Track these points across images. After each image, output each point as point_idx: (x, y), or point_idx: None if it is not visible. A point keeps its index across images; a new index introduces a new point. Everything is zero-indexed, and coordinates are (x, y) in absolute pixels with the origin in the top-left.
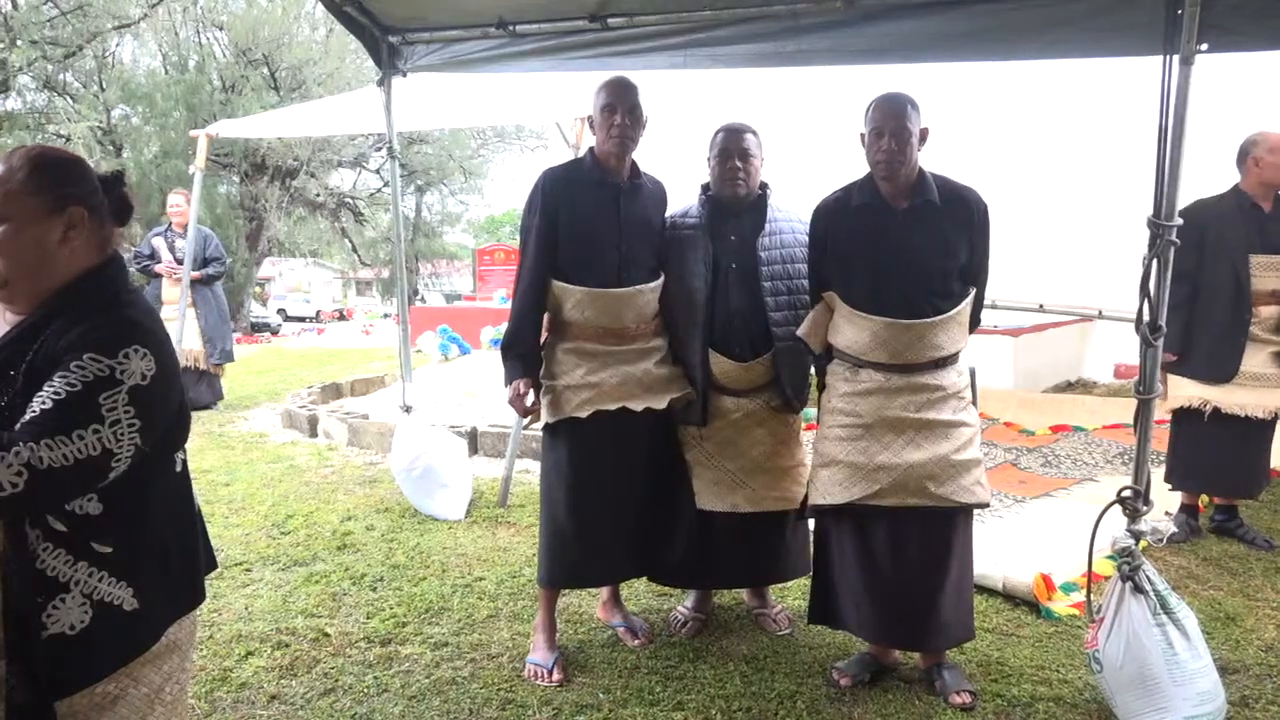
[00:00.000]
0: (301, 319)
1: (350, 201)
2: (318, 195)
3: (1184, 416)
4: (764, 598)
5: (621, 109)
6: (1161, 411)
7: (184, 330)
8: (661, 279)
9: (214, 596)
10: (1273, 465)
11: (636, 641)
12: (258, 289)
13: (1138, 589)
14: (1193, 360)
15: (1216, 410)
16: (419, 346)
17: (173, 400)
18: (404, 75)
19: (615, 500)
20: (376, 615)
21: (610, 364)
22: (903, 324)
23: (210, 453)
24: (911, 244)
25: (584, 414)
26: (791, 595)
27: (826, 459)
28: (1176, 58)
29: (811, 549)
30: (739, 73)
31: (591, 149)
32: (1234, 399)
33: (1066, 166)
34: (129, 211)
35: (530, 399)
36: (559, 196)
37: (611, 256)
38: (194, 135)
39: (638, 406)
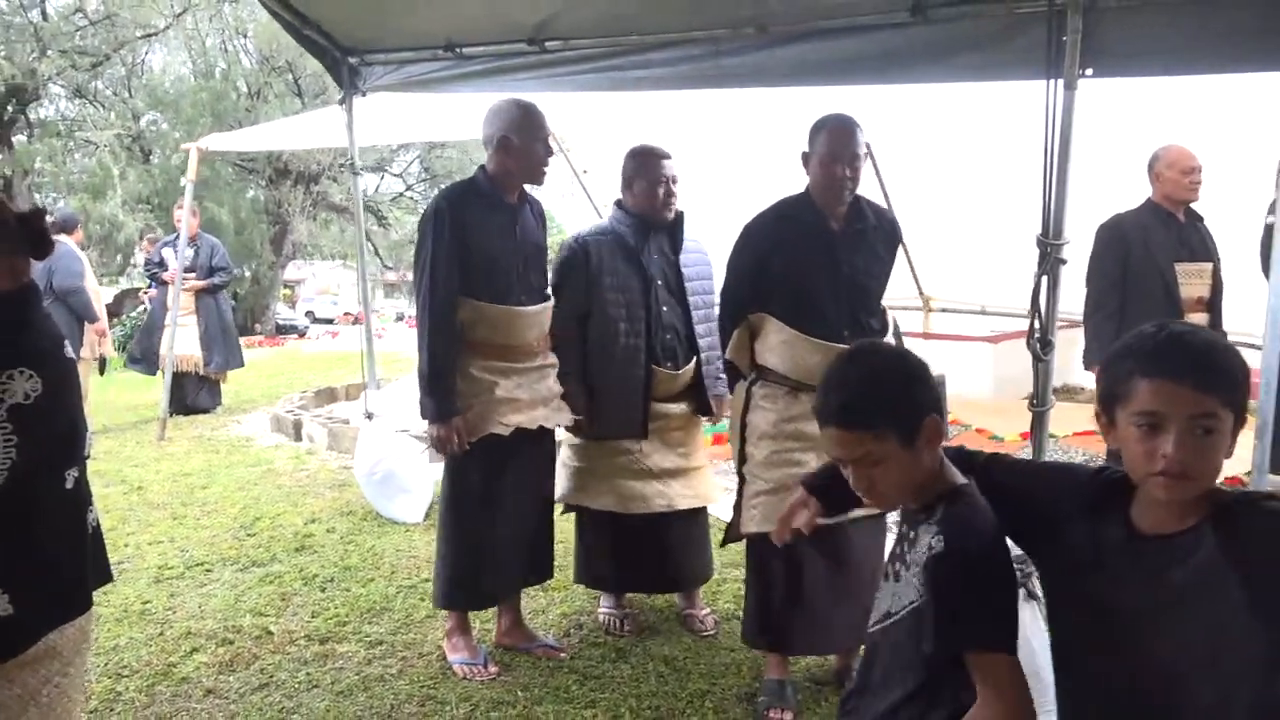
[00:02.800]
0: (330, 321)
1: (373, 205)
2: (341, 199)
3: None
4: (693, 600)
5: (546, 140)
6: (1095, 425)
7: (175, 338)
8: (552, 299)
9: (171, 595)
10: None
11: (562, 654)
12: (286, 291)
13: (1030, 595)
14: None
15: None
16: (399, 351)
17: (60, 421)
18: (363, 95)
19: (521, 515)
20: (321, 615)
21: (520, 381)
22: (837, 347)
23: (195, 456)
24: (854, 266)
25: (507, 431)
26: (723, 599)
27: (771, 485)
28: (1060, 82)
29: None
30: (666, 94)
31: (484, 169)
32: None
33: (1012, 174)
34: (45, 245)
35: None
36: (465, 216)
37: (514, 276)
38: (184, 149)
39: (550, 423)
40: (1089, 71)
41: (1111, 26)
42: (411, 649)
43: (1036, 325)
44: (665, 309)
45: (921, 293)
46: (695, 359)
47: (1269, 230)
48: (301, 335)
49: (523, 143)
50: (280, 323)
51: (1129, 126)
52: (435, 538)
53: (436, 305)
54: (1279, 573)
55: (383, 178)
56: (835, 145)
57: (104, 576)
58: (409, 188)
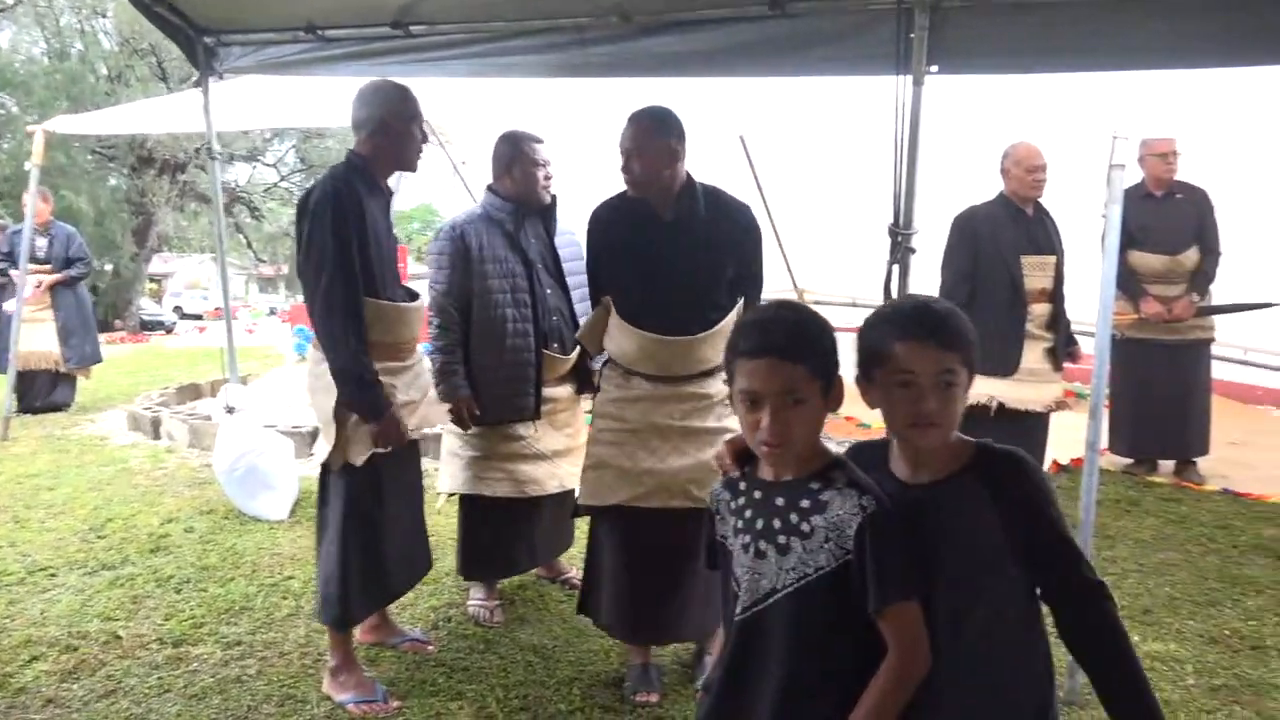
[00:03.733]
0: (198, 317)
1: (246, 196)
2: (209, 189)
3: (970, 414)
4: (555, 566)
5: (422, 126)
6: None
7: (27, 333)
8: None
9: (10, 603)
10: (1055, 458)
11: (430, 648)
12: (153, 285)
13: None
14: (978, 358)
15: (1001, 406)
16: (273, 346)
17: None
18: (220, 77)
19: (411, 514)
20: (174, 617)
21: (409, 381)
22: (668, 340)
23: (42, 456)
24: (678, 256)
25: (417, 436)
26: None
27: (596, 461)
28: (909, 78)
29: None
30: (533, 82)
31: (357, 154)
32: (1017, 394)
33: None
34: None
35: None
36: (356, 204)
37: (394, 269)
38: (29, 131)
39: (435, 423)
40: (935, 68)
41: (957, 25)
42: (272, 648)
43: None
44: (549, 292)
45: (795, 285)
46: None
47: (1107, 224)
48: (168, 331)
49: (403, 127)
50: (145, 318)
51: (991, 120)
52: (322, 551)
53: (348, 298)
54: (1024, 509)
55: (255, 167)
56: (627, 140)
57: None
58: (284, 178)
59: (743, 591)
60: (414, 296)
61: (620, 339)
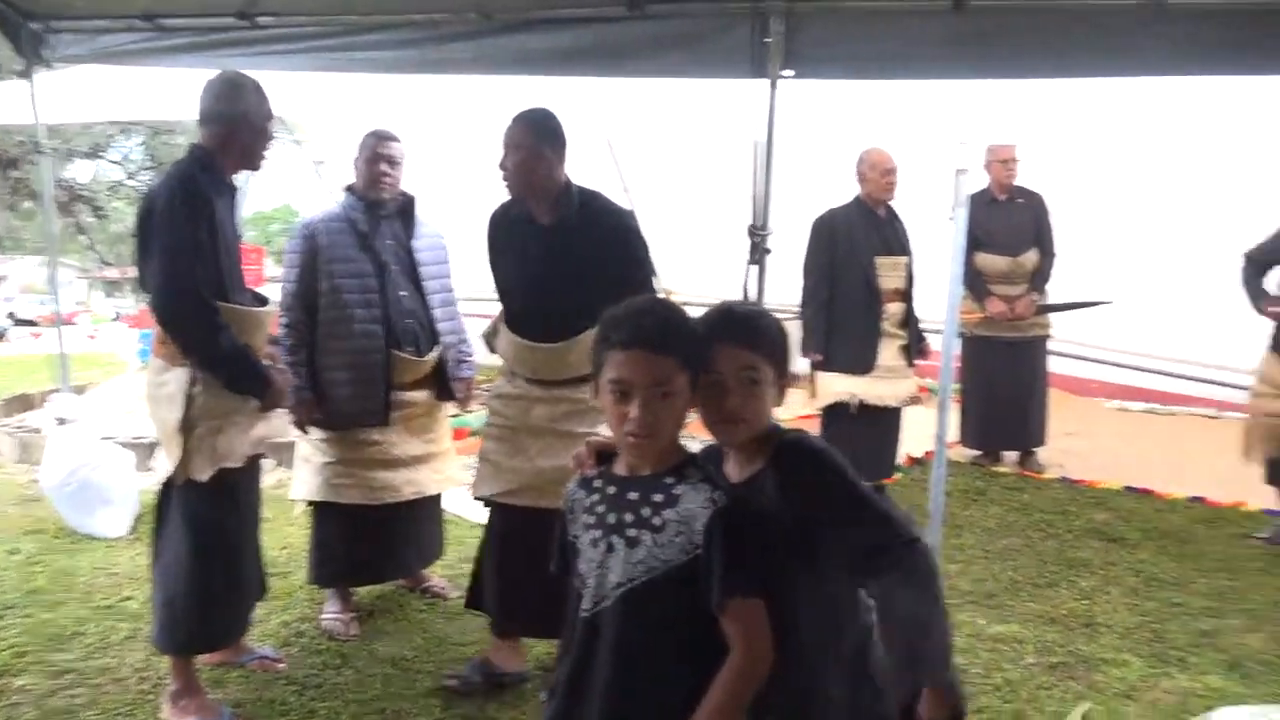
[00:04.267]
0: (33, 323)
1: (88, 194)
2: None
3: (833, 412)
4: (419, 576)
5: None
6: (813, 408)
7: None
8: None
9: None
10: (909, 452)
11: (281, 665)
12: None
13: None
14: (838, 357)
15: (861, 403)
16: (115, 353)
17: None
18: (49, 67)
19: (255, 530)
20: None
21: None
22: (539, 347)
23: None
24: (552, 262)
25: (259, 451)
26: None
27: (480, 454)
28: (766, 81)
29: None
30: (400, 79)
31: (210, 151)
32: (875, 391)
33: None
34: None
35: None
36: (210, 205)
37: (240, 272)
38: None
39: (284, 432)
40: (790, 72)
41: (811, 31)
42: (106, 675)
43: None
44: (403, 294)
45: (663, 286)
46: (439, 347)
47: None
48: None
49: (261, 124)
50: None
51: (848, 125)
52: (160, 570)
53: (199, 296)
54: (812, 492)
55: (99, 164)
56: (504, 141)
57: None
58: (130, 176)
59: (589, 589)
60: (263, 301)
61: (502, 340)
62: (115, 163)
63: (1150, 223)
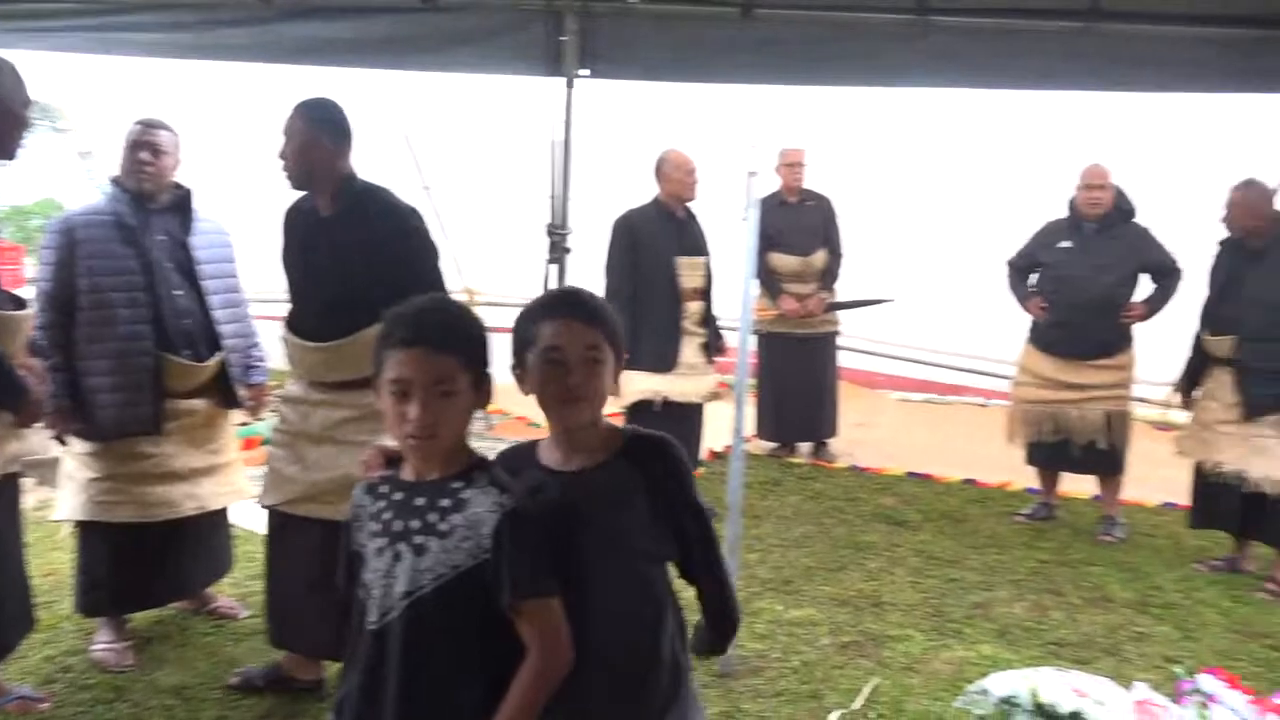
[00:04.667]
0: None
1: None
2: None
3: (638, 409)
4: (203, 597)
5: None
6: (618, 406)
7: None
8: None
9: None
10: (710, 446)
11: (44, 705)
12: None
13: None
14: (641, 356)
15: (665, 399)
16: None
17: None
18: None
19: (19, 567)
20: None
21: None
22: (314, 346)
23: None
24: (327, 256)
25: (15, 470)
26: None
27: (266, 460)
28: (562, 80)
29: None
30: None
31: None
32: (678, 388)
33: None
34: None
35: None
36: None
37: None
38: None
39: (52, 451)
40: (585, 71)
41: (606, 32)
42: None
43: None
44: (177, 294)
45: (465, 286)
46: (221, 351)
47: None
48: None
49: (20, 111)
50: None
51: (647, 127)
52: None
53: None
54: (673, 492)
55: None
56: (284, 128)
57: None
58: None
59: (375, 600)
60: (21, 304)
61: (286, 342)
62: None
63: (928, 225)
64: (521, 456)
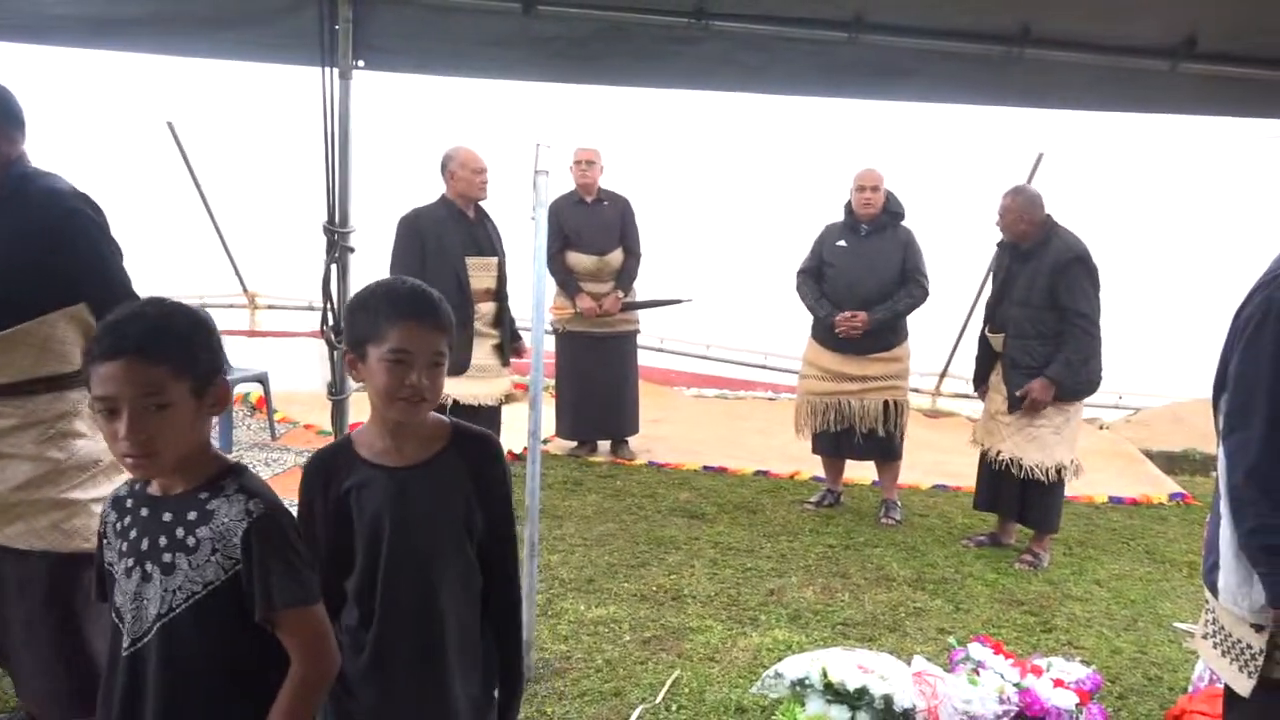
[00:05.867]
0: None
1: None
2: None
3: None
4: None
5: None
6: None
7: None
8: None
9: None
10: (510, 448)
11: None
12: None
13: None
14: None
15: (456, 402)
16: None
17: None
18: None
19: None
20: None
21: None
22: None
23: None
24: None
25: None
26: None
27: None
28: (336, 71)
29: None
30: None
31: None
32: (469, 390)
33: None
34: None
35: None
36: None
37: None
38: None
39: None
40: (361, 63)
41: (381, 21)
42: None
43: (330, 313)
44: None
45: (245, 288)
46: None
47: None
48: None
49: None
50: None
51: (432, 122)
52: None
53: None
54: (494, 491)
55: None
56: None
57: None
58: None
59: (127, 623)
60: None
61: None
62: None
63: (719, 226)
64: (342, 454)
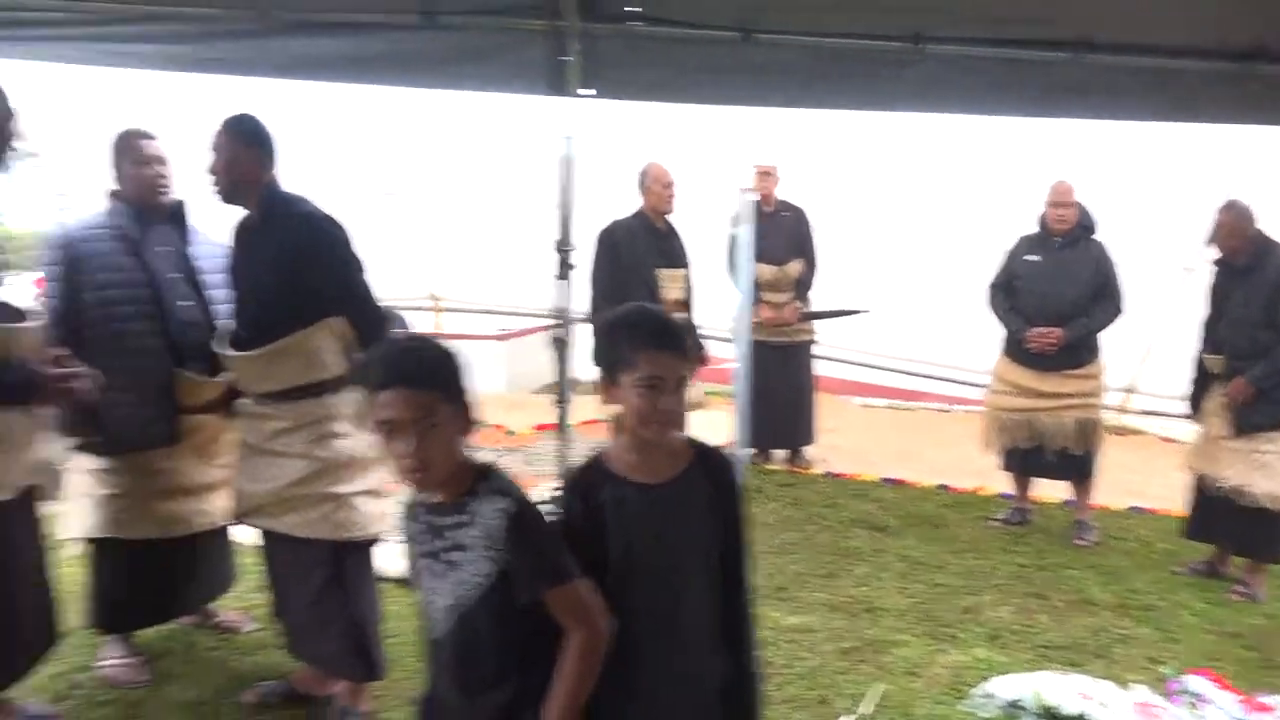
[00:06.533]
0: None
1: None
2: None
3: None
4: (207, 611)
5: None
6: (604, 414)
7: None
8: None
9: None
10: None
11: None
12: None
13: None
14: None
15: None
16: None
17: None
18: None
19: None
20: None
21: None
22: (232, 356)
23: None
24: (252, 267)
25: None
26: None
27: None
28: (566, 98)
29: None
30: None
31: None
32: None
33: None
34: None
35: None
36: None
37: None
38: None
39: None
40: (592, 91)
41: (613, 52)
42: None
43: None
44: (185, 305)
45: (430, 294)
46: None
47: (733, 240)
48: None
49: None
50: None
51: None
52: None
53: None
54: (734, 505)
55: None
56: (211, 143)
57: None
58: None
59: (431, 614)
60: (20, 316)
61: None
62: None
63: (897, 238)
64: (596, 472)
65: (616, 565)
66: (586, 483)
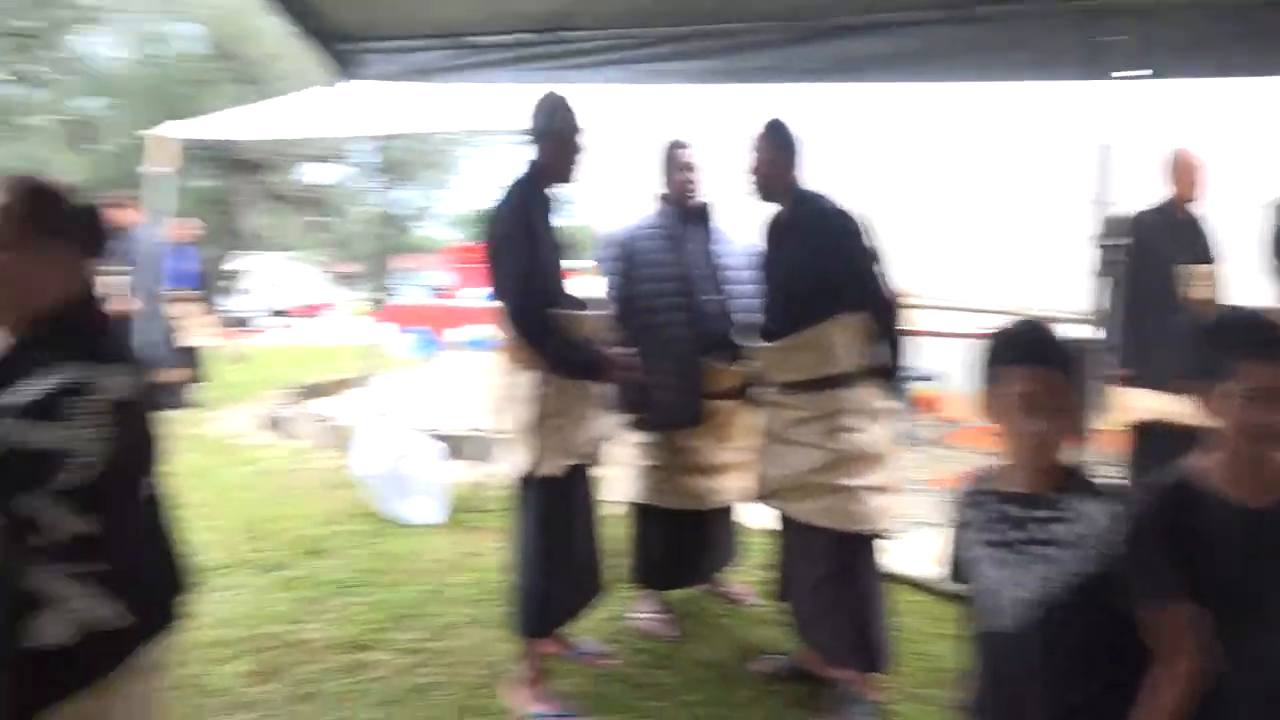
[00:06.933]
0: (282, 313)
1: (317, 194)
2: (289, 189)
3: (1146, 433)
4: (715, 581)
5: None
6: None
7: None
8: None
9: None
10: None
11: (613, 662)
12: (233, 282)
13: None
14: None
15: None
16: (380, 345)
17: (138, 426)
18: (349, 81)
19: (594, 529)
20: (349, 621)
21: (583, 398)
22: (757, 346)
23: (180, 454)
24: (782, 260)
25: (591, 450)
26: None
27: None
28: (1104, 83)
29: None
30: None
31: (540, 166)
32: (1181, 408)
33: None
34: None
35: None
36: (545, 217)
37: (559, 278)
38: (156, 137)
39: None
40: (1148, 71)
41: (1161, 28)
42: (448, 656)
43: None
44: (711, 300)
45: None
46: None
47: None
48: (249, 327)
49: (573, 138)
50: (227, 315)
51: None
52: (519, 561)
53: (547, 315)
54: None
55: (333, 167)
56: (751, 145)
57: (183, 586)
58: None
59: (998, 606)
60: (580, 305)
61: None
62: (354, 166)
63: None
64: (1184, 489)
65: (1208, 596)
66: (1177, 500)
